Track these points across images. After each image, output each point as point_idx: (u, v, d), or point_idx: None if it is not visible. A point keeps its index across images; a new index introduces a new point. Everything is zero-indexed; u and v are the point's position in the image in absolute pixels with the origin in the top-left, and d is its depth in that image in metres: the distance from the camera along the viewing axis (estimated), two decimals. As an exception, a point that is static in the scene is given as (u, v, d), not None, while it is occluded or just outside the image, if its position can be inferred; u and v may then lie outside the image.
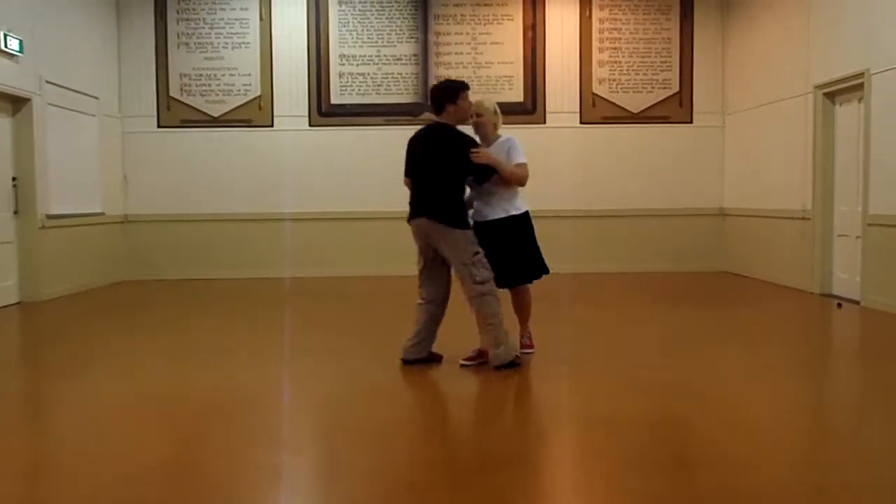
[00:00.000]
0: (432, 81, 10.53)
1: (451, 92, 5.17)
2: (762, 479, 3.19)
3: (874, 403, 4.50)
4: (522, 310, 5.50)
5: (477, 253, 4.99)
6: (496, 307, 5.01)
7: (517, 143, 5.28)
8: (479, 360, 5.15)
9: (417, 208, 5.10)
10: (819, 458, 3.58)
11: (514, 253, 5.24)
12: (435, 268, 5.16)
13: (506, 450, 3.65)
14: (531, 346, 5.53)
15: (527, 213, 5.34)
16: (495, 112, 5.38)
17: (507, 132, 5.43)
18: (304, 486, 3.38)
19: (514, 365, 5.03)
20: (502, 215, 5.22)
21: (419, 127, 5.42)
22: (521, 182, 5.23)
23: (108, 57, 10.54)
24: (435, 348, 5.28)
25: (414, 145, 5.24)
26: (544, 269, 5.43)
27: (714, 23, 11.04)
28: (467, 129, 5.26)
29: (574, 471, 3.52)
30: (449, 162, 5.05)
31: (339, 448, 3.75)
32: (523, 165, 5.19)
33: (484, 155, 5.08)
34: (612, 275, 10.53)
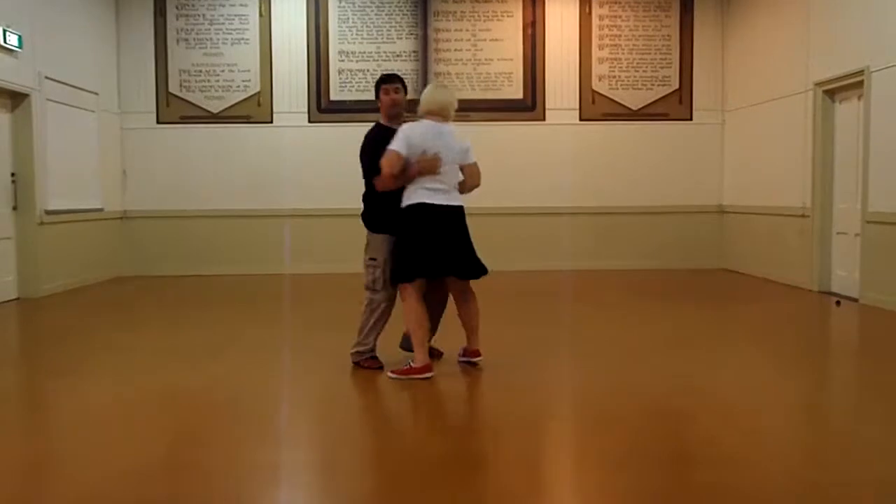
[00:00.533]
0: (432, 78, 10.54)
1: (377, 84, 5.24)
2: (760, 476, 3.19)
3: (872, 401, 4.50)
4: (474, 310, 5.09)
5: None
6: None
7: (465, 138, 5.00)
8: (468, 360, 5.09)
9: None
10: (817, 456, 3.58)
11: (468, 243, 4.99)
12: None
13: (502, 447, 3.65)
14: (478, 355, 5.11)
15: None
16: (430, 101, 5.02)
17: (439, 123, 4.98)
18: (301, 481, 3.38)
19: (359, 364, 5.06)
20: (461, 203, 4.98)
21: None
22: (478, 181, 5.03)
23: (108, 53, 10.53)
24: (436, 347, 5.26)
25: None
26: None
27: (714, 20, 11.03)
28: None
29: (571, 468, 3.52)
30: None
31: (337, 444, 3.75)
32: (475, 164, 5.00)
33: (416, 167, 4.83)
34: (611, 272, 10.53)
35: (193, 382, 4.88)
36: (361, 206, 5.12)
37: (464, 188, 4.98)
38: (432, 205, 4.77)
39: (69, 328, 7.00)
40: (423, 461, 3.49)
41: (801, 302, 8.16)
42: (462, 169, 4.93)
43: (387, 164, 4.72)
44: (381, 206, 4.94)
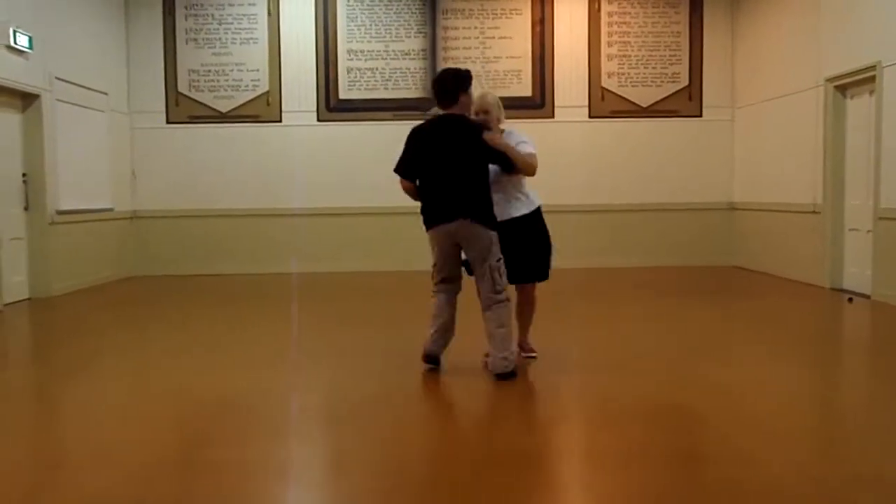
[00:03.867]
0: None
1: (464, 80, 4.81)
2: (772, 473, 3.17)
3: (884, 397, 4.46)
4: (529, 311, 5.22)
5: (500, 259, 4.74)
6: (509, 316, 4.79)
7: (523, 134, 4.99)
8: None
9: (450, 211, 4.67)
10: (828, 452, 3.56)
11: (532, 249, 5.03)
12: (454, 269, 4.90)
13: (513, 445, 3.64)
14: (534, 352, 5.28)
15: (540, 207, 5.12)
16: (499, 107, 5.02)
17: (510, 126, 5.12)
18: (312, 482, 3.38)
19: (513, 376, 4.75)
20: (525, 211, 4.99)
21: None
22: (533, 170, 4.85)
23: (117, 53, 10.57)
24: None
25: (425, 142, 4.80)
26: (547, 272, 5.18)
27: (723, 16, 10.97)
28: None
29: (581, 465, 3.51)
30: (476, 155, 4.69)
31: (348, 444, 3.75)
32: (533, 155, 4.84)
33: (499, 139, 4.73)
34: (622, 269, 10.50)
35: (204, 381, 4.88)
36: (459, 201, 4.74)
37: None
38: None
39: (80, 328, 7.02)
40: (432, 460, 3.48)
41: (814, 299, 8.11)
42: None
43: (536, 164, 4.84)
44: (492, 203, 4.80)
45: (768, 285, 9.15)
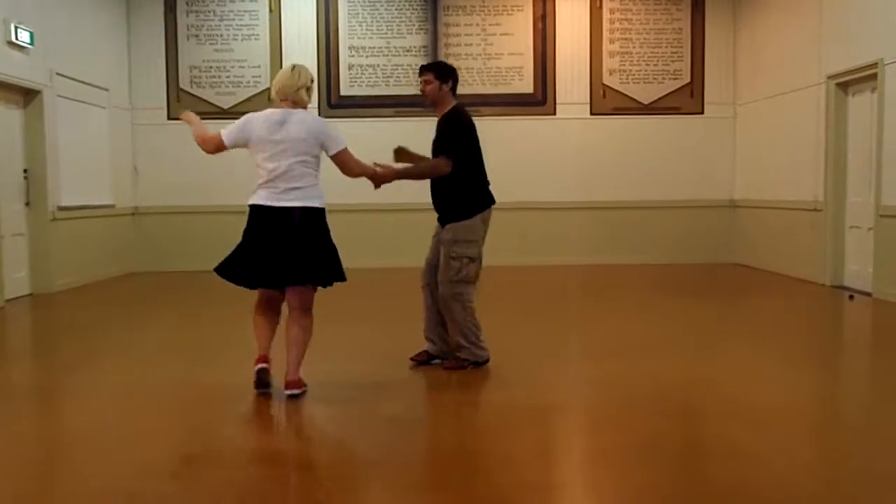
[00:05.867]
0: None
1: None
2: (775, 472, 3.17)
3: (886, 395, 4.47)
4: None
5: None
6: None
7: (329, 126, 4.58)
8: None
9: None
10: (832, 451, 3.56)
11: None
12: None
13: (514, 444, 3.64)
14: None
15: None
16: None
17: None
18: (316, 477, 3.38)
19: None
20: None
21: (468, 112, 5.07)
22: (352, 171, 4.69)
23: (119, 49, 10.56)
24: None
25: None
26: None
27: (725, 12, 10.96)
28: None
29: (584, 464, 3.51)
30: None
31: (350, 439, 3.75)
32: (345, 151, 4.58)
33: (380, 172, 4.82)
34: (623, 267, 10.50)
35: (206, 376, 4.89)
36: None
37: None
38: (256, 205, 4.38)
39: (81, 324, 7.03)
40: (435, 457, 3.49)
41: (814, 297, 8.11)
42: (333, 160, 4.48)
43: (202, 141, 4.40)
44: (466, 187, 4.82)
45: (769, 282, 9.15)
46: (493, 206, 4.92)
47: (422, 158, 5.07)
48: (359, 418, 4.02)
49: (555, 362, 5.19)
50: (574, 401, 4.45)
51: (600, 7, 10.92)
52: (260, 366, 4.31)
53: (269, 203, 4.32)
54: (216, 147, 4.44)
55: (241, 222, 4.46)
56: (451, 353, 4.94)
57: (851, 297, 7.75)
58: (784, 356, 5.39)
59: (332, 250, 4.49)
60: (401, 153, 5.14)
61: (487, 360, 4.90)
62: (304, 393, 4.27)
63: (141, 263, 10.70)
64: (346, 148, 4.50)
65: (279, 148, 4.28)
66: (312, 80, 4.48)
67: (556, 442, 3.78)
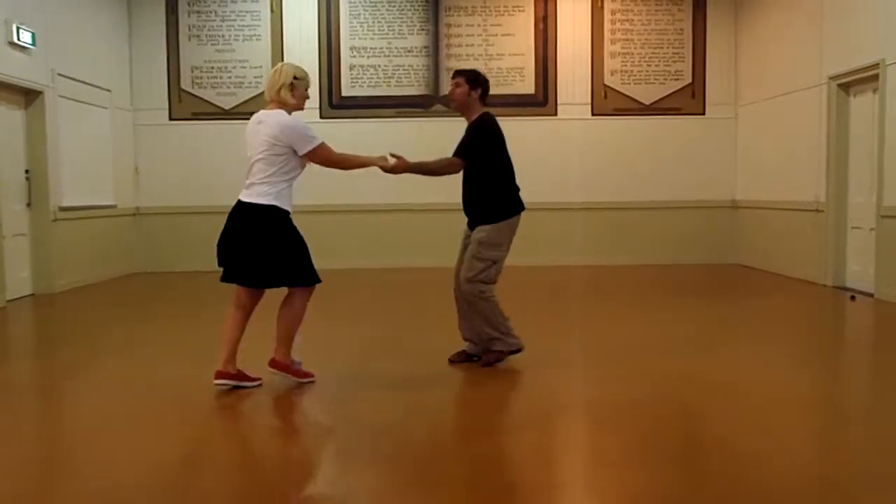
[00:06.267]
0: (443, 74, 10.53)
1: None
2: (776, 472, 3.16)
3: (887, 395, 4.46)
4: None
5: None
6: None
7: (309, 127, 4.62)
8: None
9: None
10: (834, 452, 3.55)
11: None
12: None
13: (517, 442, 3.64)
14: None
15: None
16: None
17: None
18: (317, 476, 3.38)
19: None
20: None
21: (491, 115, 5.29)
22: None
23: (120, 49, 10.57)
24: (438, 345, 5.22)
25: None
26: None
27: (727, 13, 10.95)
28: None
29: (585, 463, 3.51)
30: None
31: (353, 438, 3.75)
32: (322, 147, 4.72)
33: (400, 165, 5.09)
34: (624, 267, 10.50)
35: (208, 376, 4.87)
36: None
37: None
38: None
39: (83, 324, 7.03)
40: (439, 459, 3.49)
41: (816, 297, 8.10)
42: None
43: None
44: (496, 192, 5.08)
45: (771, 283, 9.14)
46: (522, 212, 5.13)
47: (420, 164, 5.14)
48: (358, 418, 4.03)
49: (555, 362, 5.18)
50: (574, 400, 4.45)
51: (601, 8, 10.92)
52: (215, 381, 4.43)
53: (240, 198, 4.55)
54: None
55: (242, 222, 4.45)
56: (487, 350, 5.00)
57: (853, 297, 7.75)
58: (785, 356, 5.39)
59: (275, 251, 4.50)
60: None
61: (522, 349, 4.97)
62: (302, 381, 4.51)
63: (142, 264, 10.71)
64: (322, 144, 4.57)
65: (252, 147, 4.46)
66: (297, 77, 4.50)
67: (556, 442, 3.78)
